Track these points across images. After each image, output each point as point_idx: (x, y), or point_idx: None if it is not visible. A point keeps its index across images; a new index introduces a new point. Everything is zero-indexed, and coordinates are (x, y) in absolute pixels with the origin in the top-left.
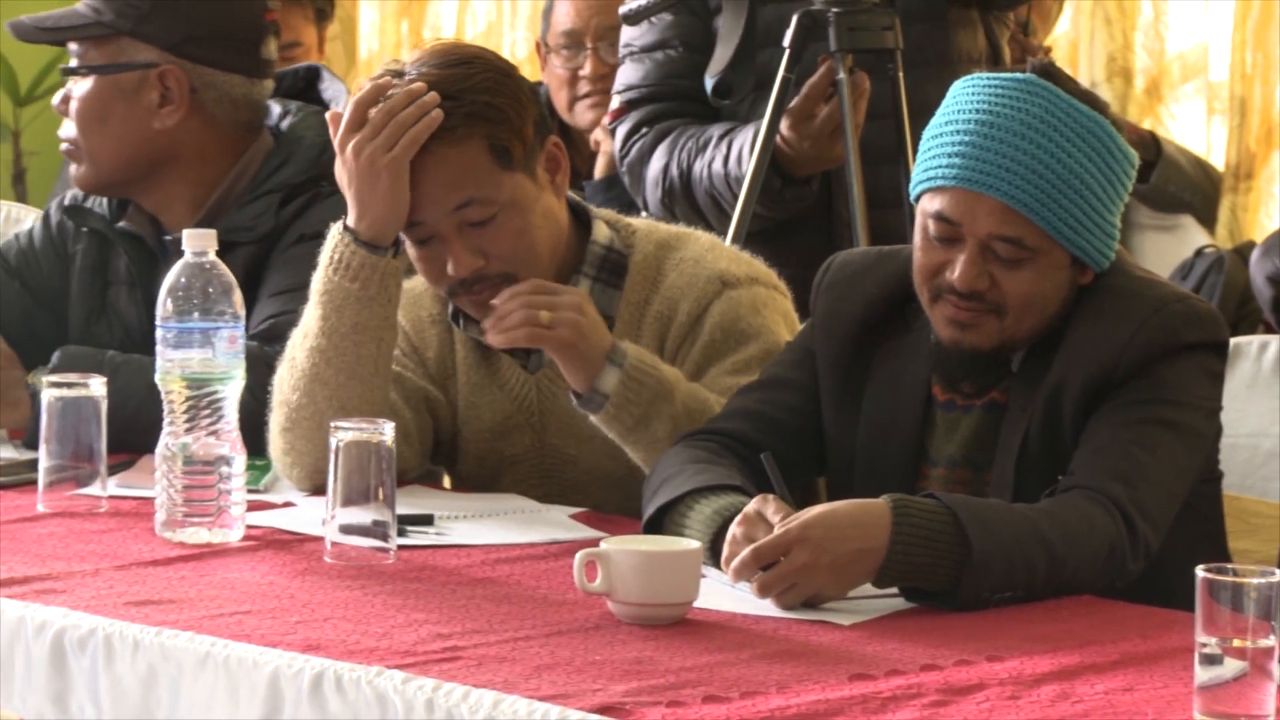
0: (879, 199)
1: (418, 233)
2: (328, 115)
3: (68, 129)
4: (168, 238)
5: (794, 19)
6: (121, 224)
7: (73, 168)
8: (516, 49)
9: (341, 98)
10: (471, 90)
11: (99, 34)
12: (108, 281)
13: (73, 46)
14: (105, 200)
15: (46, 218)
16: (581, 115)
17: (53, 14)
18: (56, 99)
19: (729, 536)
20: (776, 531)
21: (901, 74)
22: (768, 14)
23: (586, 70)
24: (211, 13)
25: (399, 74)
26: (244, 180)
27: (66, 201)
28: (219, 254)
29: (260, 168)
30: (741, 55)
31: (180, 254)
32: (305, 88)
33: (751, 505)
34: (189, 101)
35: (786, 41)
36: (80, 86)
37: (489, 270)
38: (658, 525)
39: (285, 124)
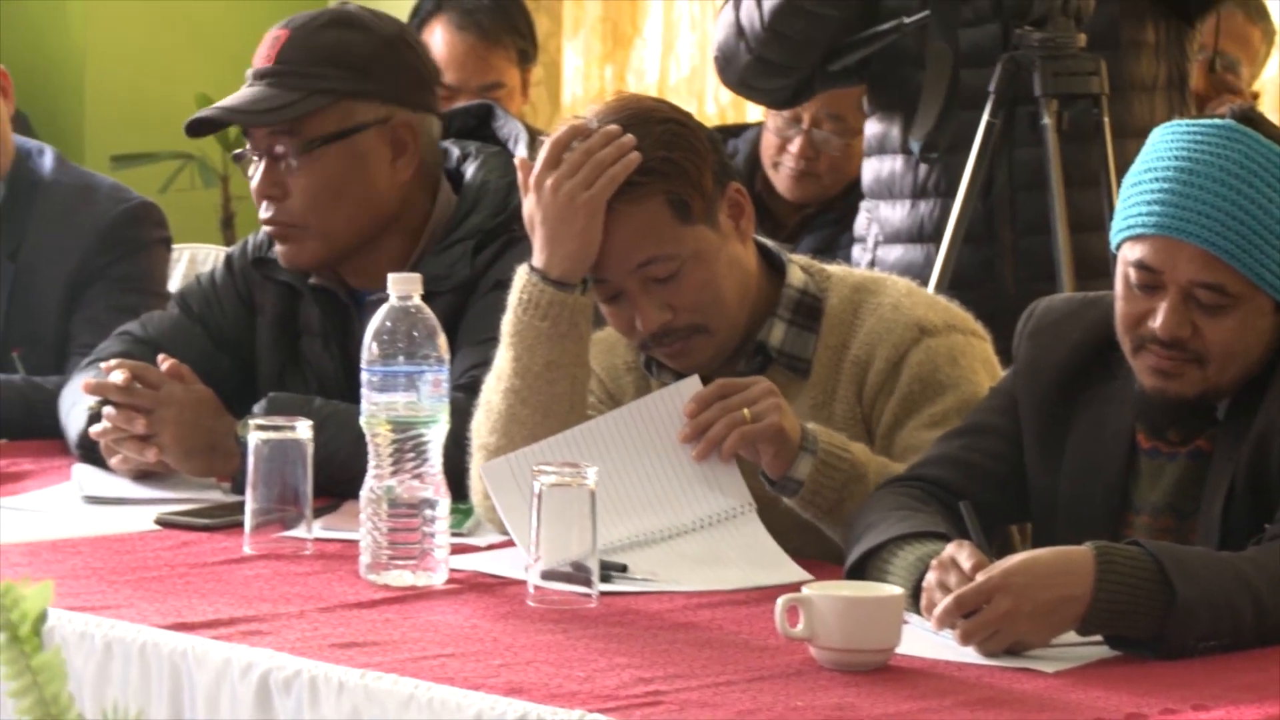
0: (1087, 263)
1: (605, 290)
2: (516, 161)
3: (283, 211)
4: (370, 298)
5: (999, 64)
6: (312, 280)
7: (282, 248)
8: (720, 94)
9: (519, 135)
10: (648, 146)
11: (324, 104)
12: (299, 332)
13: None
14: None
15: (229, 262)
16: (780, 181)
17: (250, 96)
18: (258, 183)
19: (925, 582)
20: (979, 579)
21: (1107, 119)
22: (969, 76)
23: (794, 147)
24: (414, 57)
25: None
26: (439, 229)
27: (252, 253)
28: None
29: (452, 215)
30: (946, 116)
31: (374, 309)
32: (477, 125)
33: (946, 551)
34: (419, 150)
35: (992, 86)
36: (304, 162)
37: (677, 323)
38: (860, 571)
39: (467, 167)
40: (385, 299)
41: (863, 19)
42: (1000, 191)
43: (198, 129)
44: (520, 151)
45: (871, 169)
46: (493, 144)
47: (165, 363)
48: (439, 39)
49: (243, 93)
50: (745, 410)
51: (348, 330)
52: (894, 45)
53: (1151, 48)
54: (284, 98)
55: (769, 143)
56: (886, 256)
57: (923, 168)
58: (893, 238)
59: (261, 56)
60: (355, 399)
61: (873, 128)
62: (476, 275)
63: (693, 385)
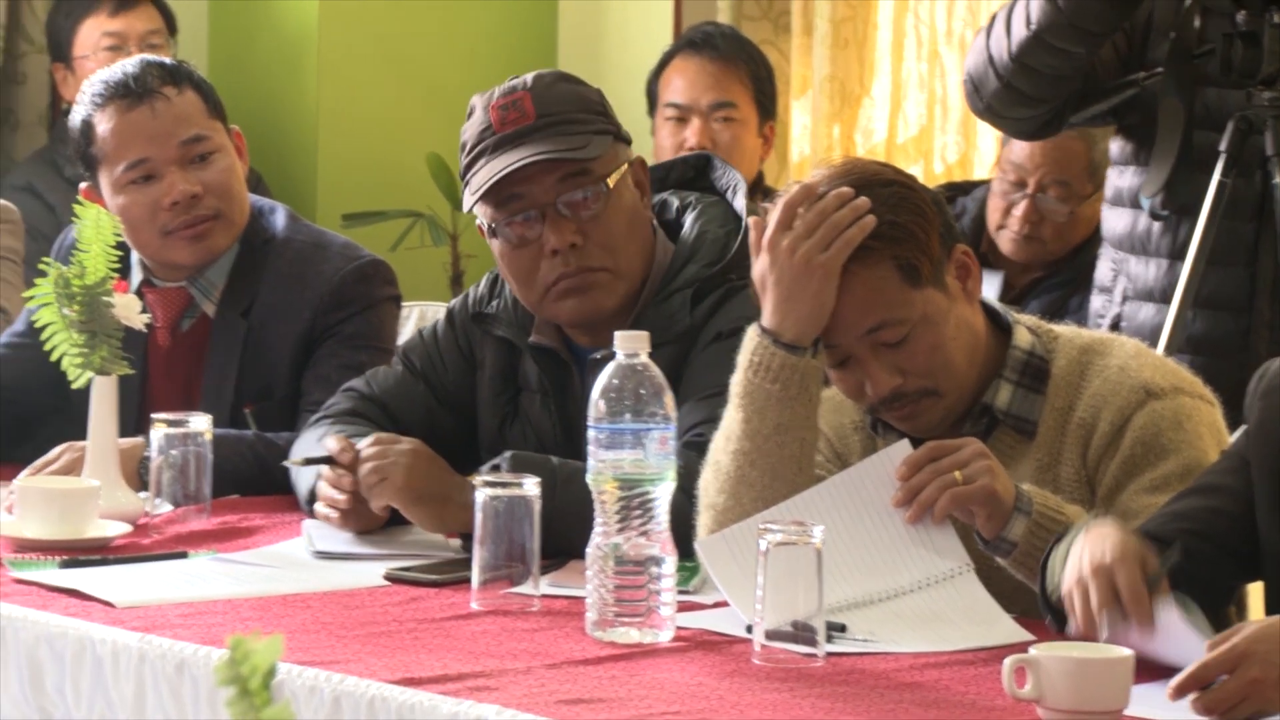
0: None
1: (834, 355)
2: (750, 221)
3: (585, 256)
4: (592, 355)
5: (1230, 123)
6: (532, 338)
7: (581, 300)
8: (947, 153)
9: (737, 184)
10: (876, 210)
11: (607, 143)
12: (519, 388)
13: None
14: (511, 306)
15: (450, 316)
16: (1003, 243)
17: (535, 148)
18: (557, 238)
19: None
20: (1221, 649)
21: None
22: (1202, 138)
23: (1019, 210)
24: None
25: None
26: (657, 280)
27: (472, 307)
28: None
29: (669, 265)
30: (1176, 176)
31: (595, 366)
32: (695, 176)
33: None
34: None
35: (1223, 146)
36: (605, 202)
37: (907, 387)
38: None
39: (685, 218)
40: (607, 357)
41: (1126, 63)
42: (1264, 261)
43: (494, 193)
44: (739, 202)
45: (1123, 221)
46: (711, 195)
47: None
48: (676, 69)
49: (519, 150)
50: (957, 472)
51: (567, 388)
52: (1149, 98)
53: None
54: (575, 141)
55: (994, 205)
56: (1135, 314)
57: (1182, 229)
58: (1144, 295)
59: (511, 119)
60: (572, 456)
61: (1126, 179)
62: (697, 325)
63: (902, 449)
